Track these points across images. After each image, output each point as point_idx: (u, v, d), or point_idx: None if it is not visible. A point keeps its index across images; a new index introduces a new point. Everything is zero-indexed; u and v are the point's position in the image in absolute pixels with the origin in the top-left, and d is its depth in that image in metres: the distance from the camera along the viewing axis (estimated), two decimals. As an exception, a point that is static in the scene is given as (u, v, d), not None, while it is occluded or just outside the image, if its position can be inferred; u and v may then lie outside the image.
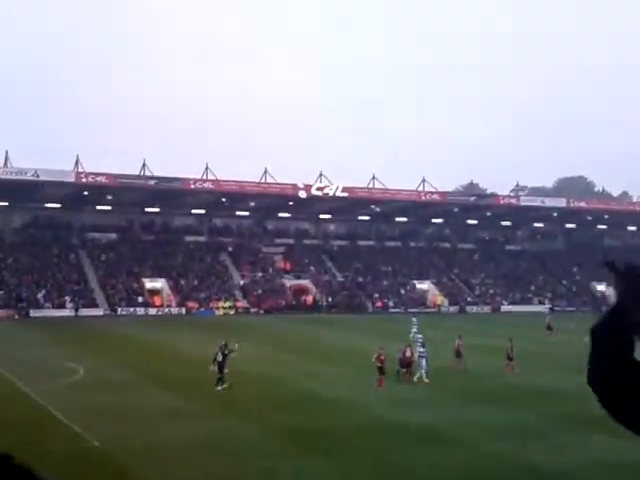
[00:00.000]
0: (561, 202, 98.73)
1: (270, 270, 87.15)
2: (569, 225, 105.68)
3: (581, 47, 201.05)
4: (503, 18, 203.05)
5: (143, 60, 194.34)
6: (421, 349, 34.87)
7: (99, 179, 76.39)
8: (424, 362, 34.25)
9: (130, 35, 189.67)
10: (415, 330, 44.61)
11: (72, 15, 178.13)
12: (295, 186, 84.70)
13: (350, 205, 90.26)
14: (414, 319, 49.48)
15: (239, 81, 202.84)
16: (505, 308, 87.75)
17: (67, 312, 70.72)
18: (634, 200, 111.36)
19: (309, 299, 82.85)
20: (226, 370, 32.03)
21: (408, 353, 34.81)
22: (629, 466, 18.75)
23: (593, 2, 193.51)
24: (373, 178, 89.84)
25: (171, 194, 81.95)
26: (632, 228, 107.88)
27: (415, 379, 33.67)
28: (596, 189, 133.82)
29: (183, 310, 76.14)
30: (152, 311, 74.53)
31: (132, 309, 73.94)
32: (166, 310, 75.51)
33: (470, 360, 37.76)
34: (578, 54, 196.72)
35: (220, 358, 32.14)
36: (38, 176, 72.39)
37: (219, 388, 30.88)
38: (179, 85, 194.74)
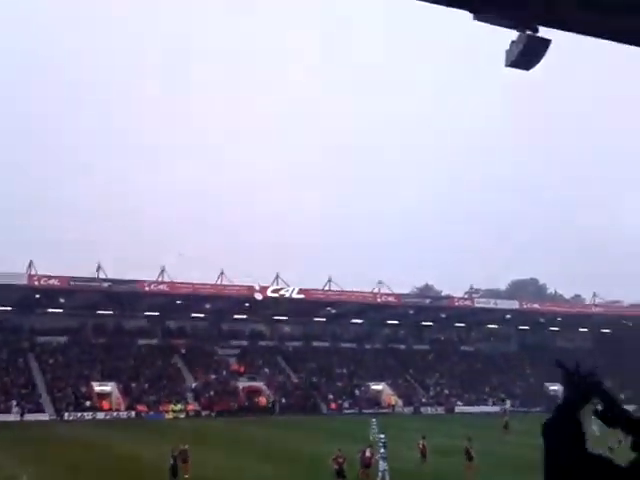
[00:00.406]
0: (514, 304, 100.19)
1: (224, 372, 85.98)
2: (522, 327, 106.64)
3: (530, 152, 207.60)
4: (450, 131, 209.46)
5: (96, 159, 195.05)
6: (382, 450, 34.40)
7: (52, 282, 75.84)
8: (384, 464, 33.67)
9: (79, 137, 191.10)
10: (375, 431, 44.26)
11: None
12: (251, 288, 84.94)
13: (306, 307, 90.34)
14: (374, 420, 49.27)
15: (195, 180, 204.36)
16: (459, 409, 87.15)
17: (12, 417, 68.57)
18: (586, 303, 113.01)
19: (262, 401, 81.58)
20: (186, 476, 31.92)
21: (368, 453, 34.33)
22: None
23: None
24: (329, 281, 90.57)
25: (125, 296, 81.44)
26: (583, 330, 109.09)
27: None
28: (548, 292, 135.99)
29: (132, 414, 74.35)
30: (100, 415, 72.56)
31: (79, 414, 71.78)
32: (115, 414, 73.64)
33: (429, 460, 37.32)
34: (528, 158, 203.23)
35: (172, 461, 31.58)
36: (-12, 279, 71.43)
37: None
38: (129, 188, 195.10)
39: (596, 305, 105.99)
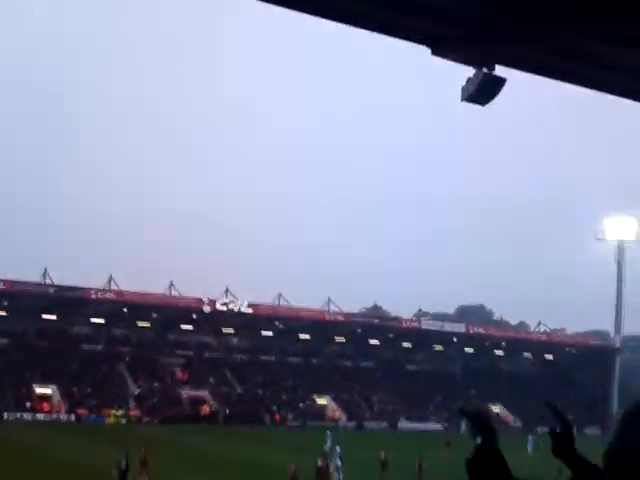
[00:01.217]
0: (460, 327, 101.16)
1: (168, 380, 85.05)
2: (467, 350, 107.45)
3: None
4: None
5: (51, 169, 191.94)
6: (339, 462, 34.24)
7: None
8: (339, 475, 33.49)
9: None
10: (330, 444, 44.17)
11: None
12: (200, 300, 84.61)
13: (254, 321, 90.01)
14: (329, 432, 49.31)
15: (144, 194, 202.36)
16: (402, 425, 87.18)
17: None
18: (531, 329, 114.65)
19: (206, 410, 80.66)
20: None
21: (321, 463, 33.96)
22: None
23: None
24: (279, 296, 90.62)
25: (70, 303, 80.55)
26: (527, 355, 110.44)
27: None
28: (495, 318, 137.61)
29: (72, 417, 73.28)
30: (40, 416, 71.49)
31: (19, 414, 70.72)
32: (55, 416, 72.52)
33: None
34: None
35: (124, 467, 30.70)
36: None
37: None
38: (85, 196, 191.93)
39: (541, 333, 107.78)
